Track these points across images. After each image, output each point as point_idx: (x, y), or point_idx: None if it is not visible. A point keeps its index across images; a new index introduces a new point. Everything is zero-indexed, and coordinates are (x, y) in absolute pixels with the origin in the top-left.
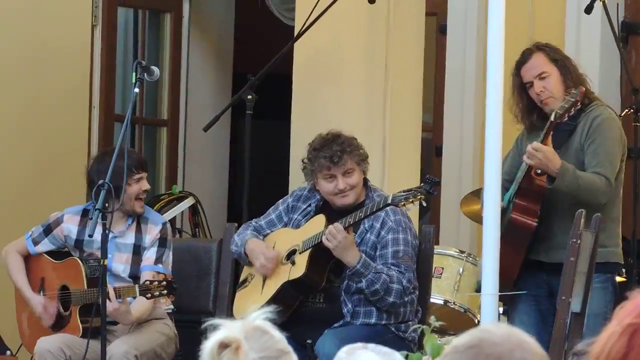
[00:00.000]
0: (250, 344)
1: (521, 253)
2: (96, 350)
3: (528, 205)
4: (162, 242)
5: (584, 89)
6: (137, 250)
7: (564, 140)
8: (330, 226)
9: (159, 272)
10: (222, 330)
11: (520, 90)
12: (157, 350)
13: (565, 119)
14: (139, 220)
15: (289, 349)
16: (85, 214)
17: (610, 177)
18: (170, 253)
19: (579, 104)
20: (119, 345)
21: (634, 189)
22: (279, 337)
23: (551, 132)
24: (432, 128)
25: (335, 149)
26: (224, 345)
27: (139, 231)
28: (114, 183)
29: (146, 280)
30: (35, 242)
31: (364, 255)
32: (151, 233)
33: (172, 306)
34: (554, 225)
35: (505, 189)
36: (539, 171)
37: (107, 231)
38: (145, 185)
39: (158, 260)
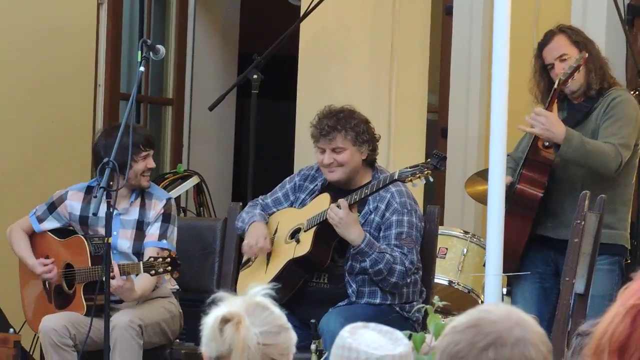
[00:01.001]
0: (251, 319)
1: (527, 226)
2: (100, 329)
3: (534, 177)
4: (165, 218)
5: (587, 54)
6: (140, 226)
7: (579, 120)
8: (334, 203)
9: (162, 248)
10: (224, 305)
11: (542, 71)
12: (161, 325)
13: (568, 84)
14: (143, 196)
15: (289, 325)
16: (89, 190)
17: (620, 147)
18: (175, 229)
19: (581, 68)
20: (123, 315)
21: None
22: (279, 314)
23: (555, 100)
24: (438, 109)
25: (325, 123)
26: (225, 320)
27: (142, 207)
28: (120, 159)
29: (150, 257)
30: (40, 220)
31: (368, 235)
32: (155, 209)
33: (177, 286)
34: (565, 201)
35: (519, 166)
36: (547, 143)
37: (112, 209)
38: (151, 163)
39: (162, 236)
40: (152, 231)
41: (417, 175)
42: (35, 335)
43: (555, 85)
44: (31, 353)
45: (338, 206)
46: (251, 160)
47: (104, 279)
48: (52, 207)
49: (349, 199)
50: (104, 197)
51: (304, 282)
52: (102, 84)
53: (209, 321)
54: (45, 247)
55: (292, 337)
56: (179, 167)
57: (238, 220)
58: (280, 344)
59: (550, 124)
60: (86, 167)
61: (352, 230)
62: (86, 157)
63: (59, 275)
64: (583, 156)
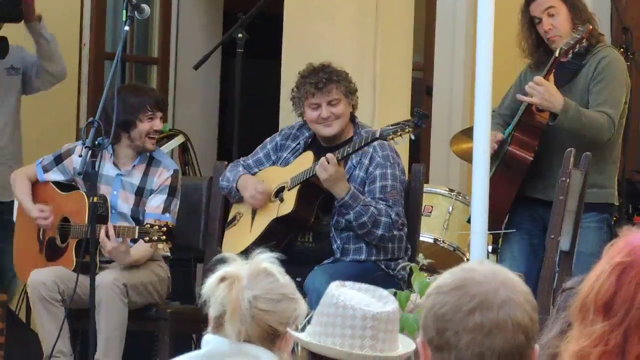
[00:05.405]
0: (251, 283)
1: (514, 187)
2: (87, 286)
3: (526, 140)
4: (171, 191)
5: (591, 27)
6: (140, 192)
7: (569, 79)
8: (323, 157)
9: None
10: (229, 265)
11: (530, 25)
12: (147, 287)
13: (570, 55)
14: (150, 162)
15: (297, 295)
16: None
17: (613, 116)
18: (178, 202)
19: (584, 41)
20: (107, 274)
21: (624, 131)
22: (284, 282)
23: (554, 69)
24: (423, 67)
25: (321, 76)
26: (222, 279)
27: (146, 173)
28: (126, 118)
29: (147, 223)
30: (45, 170)
31: (352, 188)
32: (160, 177)
33: (168, 252)
34: (554, 163)
35: (506, 123)
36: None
37: (96, 169)
38: (157, 125)
39: (166, 209)
40: (157, 203)
41: (399, 133)
42: (20, 296)
43: (556, 54)
44: (17, 313)
45: (327, 161)
46: (236, 119)
47: (97, 237)
48: (58, 159)
49: (336, 155)
50: (89, 156)
51: (289, 242)
52: (87, 43)
53: (211, 278)
54: (45, 197)
55: (297, 307)
56: (164, 127)
57: (222, 180)
58: (280, 312)
59: (549, 94)
60: (71, 126)
61: (339, 184)
62: (71, 116)
63: (54, 227)
64: (578, 126)
